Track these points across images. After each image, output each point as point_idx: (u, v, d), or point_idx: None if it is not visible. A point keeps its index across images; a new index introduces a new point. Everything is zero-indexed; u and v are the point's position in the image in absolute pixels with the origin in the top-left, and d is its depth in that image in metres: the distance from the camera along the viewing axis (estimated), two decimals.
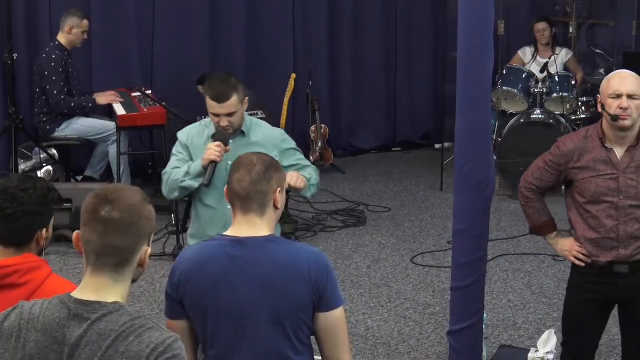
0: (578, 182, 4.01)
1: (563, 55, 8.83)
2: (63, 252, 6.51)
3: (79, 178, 8.07)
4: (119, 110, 7.61)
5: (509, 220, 7.54)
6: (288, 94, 8.82)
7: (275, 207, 3.02)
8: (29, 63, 8.09)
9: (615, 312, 4.23)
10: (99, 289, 2.30)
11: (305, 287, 2.90)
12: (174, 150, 4.45)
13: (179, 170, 4.32)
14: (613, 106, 3.89)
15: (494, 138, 8.26)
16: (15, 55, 7.93)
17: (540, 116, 8.12)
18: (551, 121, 7.96)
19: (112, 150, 7.61)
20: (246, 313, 2.91)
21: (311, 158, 8.98)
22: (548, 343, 4.90)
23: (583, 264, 4.08)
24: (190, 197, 4.73)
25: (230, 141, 4.28)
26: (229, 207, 3.99)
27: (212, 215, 4.32)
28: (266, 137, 4.36)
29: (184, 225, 7.25)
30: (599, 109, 4.03)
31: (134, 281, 2.39)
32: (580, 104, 8.42)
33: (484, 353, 4.81)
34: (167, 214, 7.37)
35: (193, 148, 4.37)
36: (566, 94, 8.26)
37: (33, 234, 2.92)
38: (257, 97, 8.95)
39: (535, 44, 8.93)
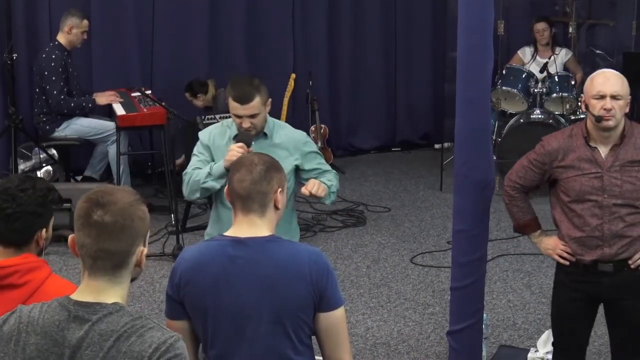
0: (562, 181, 4.02)
1: (562, 55, 8.83)
2: (63, 252, 6.51)
3: (79, 178, 8.07)
4: (119, 110, 7.61)
5: (508, 220, 7.45)
6: (287, 94, 8.83)
7: (276, 207, 3.02)
8: (28, 63, 8.09)
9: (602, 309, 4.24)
10: (97, 291, 2.30)
11: (306, 287, 2.90)
12: (195, 151, 4.39)
13: (200, 171, 4.26)
14: (597, 107, 3.89)
15: (494, 138, 8.26)
16: (14, 55, 7.93)
17: (539, 116, 8.12)
18: (551, 121, 7.96)
19: (112, 150, 7.61)
20: (247, 313, 2.91)
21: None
22: (547, 343, 4.91)
23: (567, 263, 4.09)
24: (208, 198, 4.66)
25: (252, 143, 4.23)
26: None
27: (229, 214, 4.28)
28: (288, 139, 4.32)
29: (183, 225, 7.26)
30: (583, 109, 4.04)
31: (132, 280, 2.38)
32: (579, 104, 8.42)
33: (484, 353, 4.82)
34: (166, 214, 7.37)
35: (215, 149, 4.32)
36: (566, 94, 8.27)
37: (32, 234, 2.92)
38: None
39: (535, 44, 8.93)
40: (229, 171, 4.11)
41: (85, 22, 7.66)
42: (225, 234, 3.02)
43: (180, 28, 8.85)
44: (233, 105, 4.20)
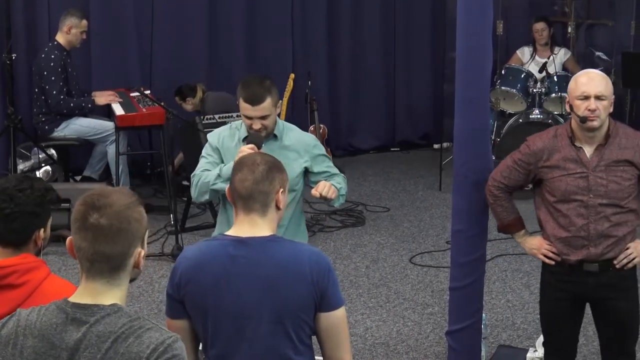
0: (548, 181, 4.02)
1: (561, 55, 8.83)
2: (62, 252, 6.49)
3: (78, 178, 8.07)
4: (118, 110, 7.61)
5: None
6: (287, 94, 8.82)
7: (278, 207, 3.02)
8: (27, 63, 8.09)
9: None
10: (95, 294, 2.30)
11: (307, 287, 2.90)
12: (203, 153, 4.34)
13: (209, 173, 4.22)
14: (581, 108, 3.90)
15: (493, 138, 8.27)
16: (14, 55, 7.93)
17: (538, 116, 8.12)
18: (550, 121, 7.95)
19: (111, 150, 7.61)
20: (247, 313, 2.91)
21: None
22: None
23: (553, 262, 4.10)
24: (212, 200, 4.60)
25: (262, 145, 4.19)
26: None
27: None
28: (298, 141, 4.29)
29: (182, 225, 7.26)
30: (567, 109, 4.04)
31: (131, 281, 2.38)
32: (565, 104, 8.41)
33: (483, 353, 4.82)
34: (165, 214, 7.37)
35: (224, 150, 4.28)
36: (565, 94, 8.24)
37: (31, 234, 2.92)
38: None
39: (534, 43, 8.93)
40: (232, 171, 4.14)
41: (85, 22, 7.66)
42: (227, 233, 3.02)
43: (179, 28, 8.85)
44: (244, 106, 4.16)
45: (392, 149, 10.04)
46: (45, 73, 7.44)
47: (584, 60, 9.24)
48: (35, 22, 8.31)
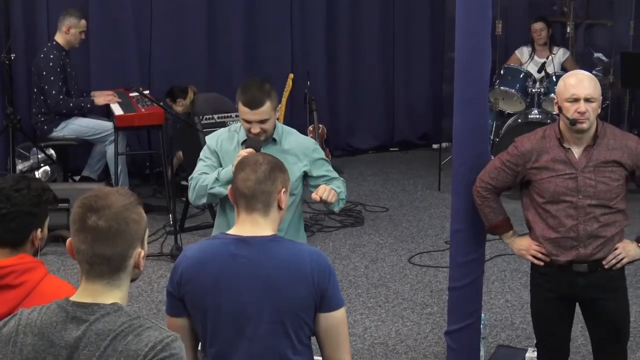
0: (537, 182, 4.02)
1: (560, 55, 8.83)
2: (61, 253, 6.50)
3: (77, 178, 8.08)
4: (117, 110, 7.61)
5: None
6: (286, 94, 8.82)
7: (279, 207, 3.02)
8: (26, 63, 8.09)
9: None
10: (96, 295, 2.30)
11: (307, 287, 2.90)
12: (201, 156, 4.32)
13: (207, 176, 4.20)
14: (571, 110, 3.90)
15: (492, 138, 8.27)
16: (12, 56, 7.94)
17: (537, 116, 8.12)
18: (548, 121, 7.95)
19: (110, 150, 7.61)
20: (247, 312, 2.91)
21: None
22: None
23: (542, 263, 4.10)
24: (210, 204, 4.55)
25: (261, 149, 4.16)
26: None
27: None
28: (298, 145, 4.27)
29: (181, 225, 7.26)
30: (556, 110, 4.04)
31: (132, 281, 2.38)
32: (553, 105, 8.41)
33: (482, 353, 4.82)
34: (164, 214, 7.37)
35: (222, 154, 4.26)
36: None
37: (28, 235, 2.92)
38: None
39: (533, 44, 8.93)
40: (234, 171, 4.11)
41: (83, 22, 7.66)
42: (228, 232, 3.02)
43: (178, 28, 8.85)
44: (243, 109, 4.13)
45: (391, 149, 10.05)
46: (44, 73, 7.44)
47: (583, 60, 9.24)
48: (34, 22, 8.31)
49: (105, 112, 8.05)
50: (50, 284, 2.85)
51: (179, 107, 8.11)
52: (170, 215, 7.04)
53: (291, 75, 8.95)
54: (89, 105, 7.69)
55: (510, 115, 8.49)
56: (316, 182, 4.24)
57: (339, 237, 7.30)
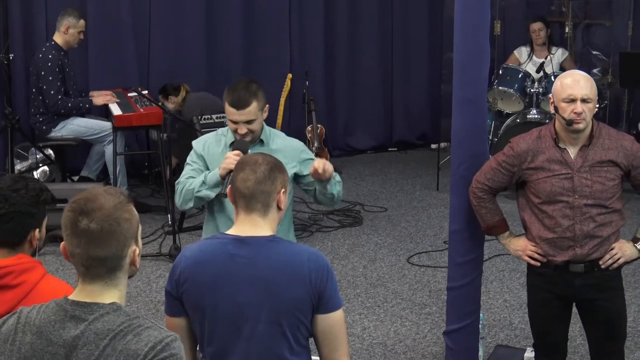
0: (532, 182, 4.01)
1: (559, 55, 8.84)
2: (59, 252, 6.46)
3: (75, 178, 8.08)
4: (115, 110, 7.61)
5: None
6: (284, 94, 8.83)
7: (279, 208, 3.02)
8: (25, 63, 8.09)
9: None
10: (94, 294, 2.30)
11: (305, 288, 2.90)
12: (188, 160, 4.30)
13: (194, 180, 4.17)
14: (567, 110, 3.89)
15: (490, 138, 8.28)
16: (11, 56, 7.94)
17: (536, 116, 8.13)
18: (547, 121, 7.95)
19: (108, 150, 7.61)
20: (245, 312, 2.91)
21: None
22: None
23: (538, 264, 4.10)
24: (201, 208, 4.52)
25: (249, 150, 4.14)
26: None
27: (227, 223, 4.10)
28: (286, 146, 4.25)
29: (180, 225, 7.26)
30: (552, 110, 4.04)
31: (129, 277, 2.38)
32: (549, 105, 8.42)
33: (480, 353, 4.82)
34: (163, 214, 7.37)
35: (209, 157, 4.23)
36: None
37: (25, 235, 2.92)
38: None
39: (531, 43, 8.94)
40: (233, 171, 4.10)
41: (82, 22, 7.66)
42: (227, 232, 3.02)
43: (177, 28, 8.85)
44: (229, 110, 4.12)
45: (389, 149, 10.06)
46: (42, 73, 7.44)
47: (582, 60, 9.26)
48: (33, 22, 8.31)
49: (103, 112, 8.05)
50: (49, 284, 2.85)
51: (171, 104, 8.09)
52: (169, 215, 7.05)
53: (290, 76, 8.96)
54: (87, 106, 7.70)
55: (508, 115, 8.50)
56: (307, 179, 4.21)
57: (337, 237, 7.30)
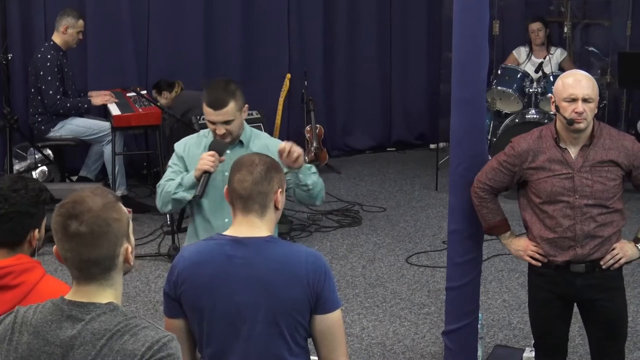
0: (533, 182, 4.02)
1: (558, 55, 8.84)
2: None
3: (74, 178, 8.08)
4: (114, 110, 7.60)
5: None
6: (283, 94, 8.83)
7: (276, 208, 3.02)
8: (24, 63, 8.09)
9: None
10: (90, 294, 2.30)
11: (302, 288, 2.89)
12: (169, 162, 4.27)
13: (172, 182, 4.14)
14: (568, 110, 3.90)
15: (489, 138, 8.28)
16: (10, 56, 7.93)
17: (535, 116, 8.13)
18: (546, 121, 7.95)
19: (107, 150, 7.61)
20: (243, 313, 2.91)
21: (306, 158, 8.96)
22: None
23: (539, 264, 4.10)
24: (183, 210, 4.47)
25: (228, 151, 4.11)
26: (226, 220, 3.93)
27: (208, 228, 4.14)
28: (266, 148, 4.12)
29: (179, 225, 7.25)
30: (553, 110, 4.04)
31: (124, 274, 2.38)
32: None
33: (479, 353, 4.82)
34: (161, 214, 7.36)
35: (189, 159, 4.19)
36: None
37: (25, 235, 2.91)
38: (252, 97, 8.98)
39: (530, 43, 8.94)
40: (207, 172, 4.01)
41: (81, 22, 7.66)
42: (225, 233, 3.02)
43: (176, 28, 8.84)
44: (206, 110, 4.07)
45: (388, 149, 10.06)
46: (41, 73, 7.44)
47: (580, 60, 9.26)
48: (32, 22, 8.30)
49: (102, 112, 8.05)
50: (48, 284, 2.85)
51: (163, 99, 8.05)
52: (168, 216, 7.04)
53: (288, 76, 8.96)
54: (86, 106, 7.69)
55: (507, 115, 8.51)
56: (286, 177, 4.14)
57: (336, 237, 7.29)
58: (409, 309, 5.91)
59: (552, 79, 8.34)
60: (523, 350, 5.08)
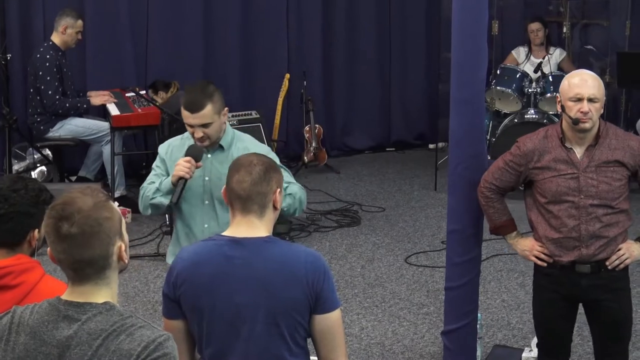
0: (539, 182, 4.02)
1: (557, 55, 8.84)
2: None
3: (73, 178, 8.07)
4: (113, 110, 7.61)
5: None
6: (282, 94, 8.83)
7: (275, 208, 3.02)
8: (22, 63, 8.08)
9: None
10: (86, 294, 2.30)
11: (302, 288, 2.90)
12: (153, 165, 4.23)
13: (152, 186, 4.11)
14: (574, 109, 3.90)
15: (488, 138, 8.28)
16: (9, 56, 7.92)
17: (534, 116, 8.13)
18: (545, 121, 7.96)
19: (106, 150, 7.61)
20: (242, 313, 2.91)
21: (305, 158, 8.98)
22: None
23: (545, 264, 4.10)
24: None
25: (209, 155, 4.07)
26: (206, 225, 3.91)
27: (189, 234, 4.13)
28: (248, 151, 3.98)
29: None
30: (558, 109, 4.04)
31: (120, 272, 2.38)
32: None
33: (478, 353, 4.82)
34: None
35: (170, 162, 4.13)
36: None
37: (25, 235, 2.91)
38: (251, 97, 8.98)
39: (529, 44, 8.95)
40: (182, 178, 3.97)
41: (80, 22, 7.65)
42: (223, 233, 3.02)
43: (175, 28, 8.84)
44: (184, 113, 4.02)
45: (387, 149, 10.05)
46: (40, 73, 7.43)
47: (579, 60, 9.26)
48: (30, 22, 8.29)
49: (101, 112, 8.05)
50: (48, 284, 2.85)
51: (159, 99, 8.05)
52: (167, 216, 7.03)
53: (287, 76, 8.96)
54: (85, 106, 7.69)
55: (506, 115, 8.51)
56: None
57: (335, 237, 7.29)
58: (408, 309, 5.91)
59: (551, 79, 8.35)
60: (522, 350, 5.08)
